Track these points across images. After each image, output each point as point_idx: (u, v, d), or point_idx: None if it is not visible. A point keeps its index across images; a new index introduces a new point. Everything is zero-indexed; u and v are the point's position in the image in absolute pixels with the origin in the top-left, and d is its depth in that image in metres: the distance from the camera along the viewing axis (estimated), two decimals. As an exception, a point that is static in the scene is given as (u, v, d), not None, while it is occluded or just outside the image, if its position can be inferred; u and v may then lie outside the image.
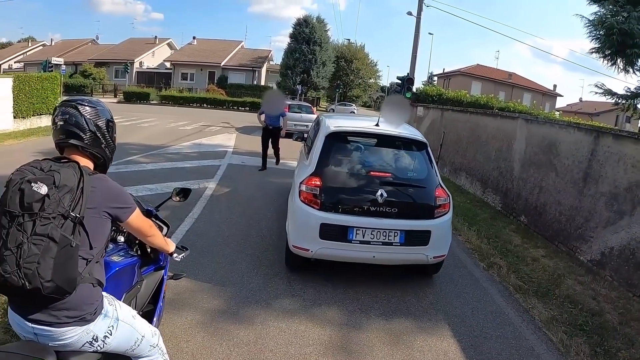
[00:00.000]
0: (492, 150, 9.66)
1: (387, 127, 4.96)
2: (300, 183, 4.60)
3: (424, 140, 5.04)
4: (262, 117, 10.84)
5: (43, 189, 1.73)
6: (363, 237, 4.38)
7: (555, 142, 7.20)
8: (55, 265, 1.70)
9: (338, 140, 4.89)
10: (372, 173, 4.64)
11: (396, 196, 4.49)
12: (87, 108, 2.01)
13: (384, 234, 4.39)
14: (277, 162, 11.37)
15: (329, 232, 4.39)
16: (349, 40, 58.51)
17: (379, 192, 4.40)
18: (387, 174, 4.70)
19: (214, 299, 4.17)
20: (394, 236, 4.40)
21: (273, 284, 4.60)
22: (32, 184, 1.73)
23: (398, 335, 3.87)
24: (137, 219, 2.14)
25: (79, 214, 1.78)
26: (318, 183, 4.50)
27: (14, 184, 1.76)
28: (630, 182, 5.54)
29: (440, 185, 4.76)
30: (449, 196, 4.73)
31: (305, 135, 7.07)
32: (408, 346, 3.70)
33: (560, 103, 55.05)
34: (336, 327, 3.90)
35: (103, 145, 2.07)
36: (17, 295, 1.79)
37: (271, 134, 10.77)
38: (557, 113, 34.58)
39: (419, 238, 4.48)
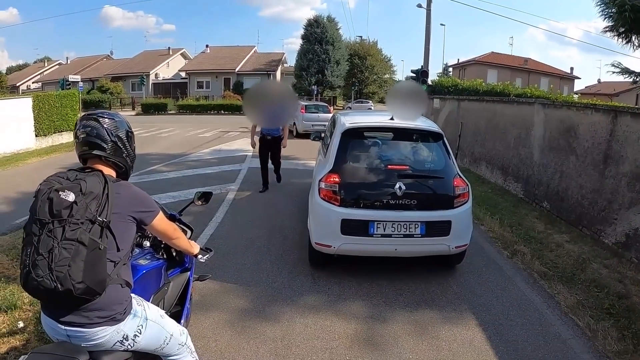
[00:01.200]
0: (510, 138, 9.57)
1: (403, 121, 4.98)
2: (320, 180, 4.67)
3: (440, 131, 5.08)
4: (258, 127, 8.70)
5: (71, 197, 1.84)
6: (384, 231, 4.42)
7: (573, 125, 7.12)
8: (85, 268, 1.79)
9: (354, 137, 4.97)
10: (389, 167, 4.70)
11: (415, 188, 4.53)
12: (107, 120, 2.14)
13: (405, 226, 4.42)
14: (279, 179, 9.29)
15: (350, 227, 4.44)
16: (361, 37, 58.13)
17: (397, 185, 4.43)
18: (405, 167, 4.77)
19: (240, 299, 4.27)
20: (415, 228, 4.44)
21: (298, 281, 4.68)
22: (60, 193, 1.84)
23: (423, 326, 3.90)
24: (161, 222, 2.24)
25: (105, 219, 1.88)
26: (337, 180, 4.56)
27: (43, 193, 1.87)
28: (652, 161, 5.45)
29: (459, 175, 4.78)
30: (467, 185, 4.75)
31: (323, 135, 7.13)
32: (434, 337, 3.73)
33: (578, 86, 53.83)
34: (361, 320, 3.96)
35: (124, 155, 2.19)
36: (50, 299, 1.88)
37: (270, 146, 8.62)
38: (575, 96, 33.90)
39: (440, 229, 4.49)
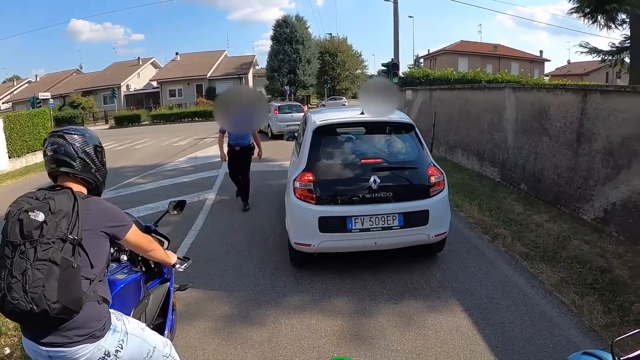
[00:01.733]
0: (484, 124, 9.67)
1: (373, 115, 4.97)
2: (294, 180, 4.65)
3: (411, 121, 5.09)
4: (225, 137, 7.78)
5: (40, 216, 1.81)
6: (362, 225, 4.42)
7: (544, 107, 7.20)
8: (59, 287, 1.76)
9: (325, 134, 4.94)
10: (363, 161, 4.70)
11: (390, 180, 4.53)
12: (75, 136, 2.12)
13: (383, 219, 4.42)
14: (245, 201, 7.62)
15: (328, 224, 4.43)
16: (330, 34, 58.36)
17: (372, 179, 4.43)
18: (378, 160, 4.77)
19: (224, 305, 4.21)
20: (393, 220, 4.43)
21: (281, 282, 4.64)
22: (30, 213, 1.82)
23: (409, 316, 3.89)
24: (134, 236, 2.20)
25: (77, 236, 1.86)
26: (311, 178, 4.54)
27: (13, 215, 1.85)
28: (623, 136, 5.54)
29: (433, 164, 4.79)
30: (442, 173, 4.77)
31: (296, 134, 7.11)
32: (420, 326, 3.73)
33: (549, 68, 54.74)
34: (347, 316, 3.94)
35: (93, 170, 2.16)
36: (28, 321, 1.85)
37: (239, 157, 7.43)
38: (546, 78, 34.58)
39: (418, 218, 4.50)
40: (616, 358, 1.57)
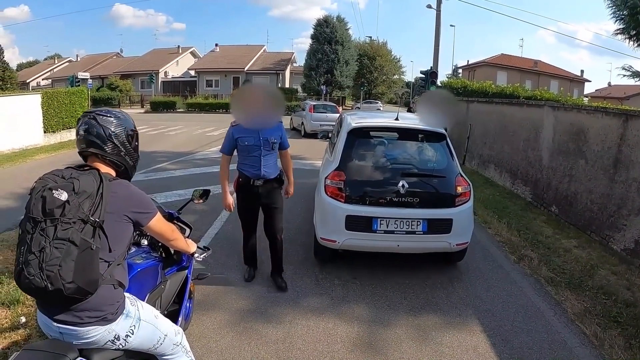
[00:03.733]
0: (519, 141, 9.47)
1: (408, 121, 5.24)
2: (326, 178, 4.79)
3: (443, 131, 5.13)
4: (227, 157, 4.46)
5: (63, 196, 1.82)
6: (387, 227, 4.55)
7: (583, 129, 7.01)
8: (76, 268, 1.78)
9: (359, 136, 5.09)
10: (393, 165, 4.86)
11: (418, 186, 4.64)
12: (108, 118, 2.13)
13: (407, 223, 4.55)
14: (279, 269, 4.64)
15: (354, 223, 4.57)
16: (370, 37, 58.17)
17: (400, 183, 4.55)
18: (408, 166, 4.92)
19: (242, 299, 4.24)
20: (417, 225, 4.55)
21: (301, 282, 4.65)
22: (53, 191, 1.83)
23: (426, 331, 3.85)
24: (158, 224, 2.21)
25: (98, 219, 1.87)
26: (342, 177, 4.69)
27: (37, 191, 1.86)
28: (662, 166, 5.36)
29: (460, 175, 4.87)
30: (469, 184, 4.84)
31: (330, 134, 7.12)
32: (437, 342, 3.68)
33: (588, 89, 53.19)
34: (364, 324, 3.91)
35: (123, 154, 2.17)
36: (41, 297, 1.88)
37: (259, 197, 4.38)
38: (585, 99, 33.50)
39: (442, 226, 4.61)
40: None
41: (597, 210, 6.50)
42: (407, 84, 63.85)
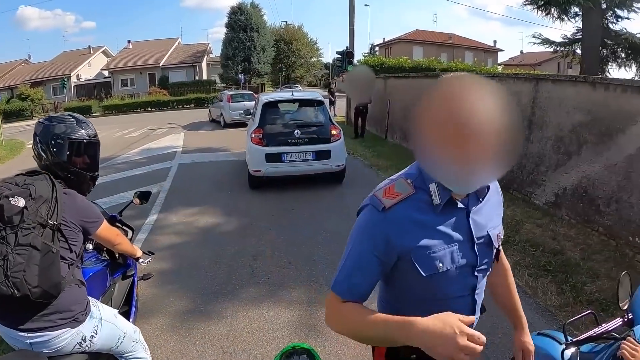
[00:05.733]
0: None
1: (298, 94, 9.08)
2: (251, 133, 7.77)
3: (321, 98, 8.45)
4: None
5: (21, 202, 1.85)
6: (291, 159, 7.52)
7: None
8: (40, 272, 1.80)
9: (269, 106, 8.02)
10: (291, 121, 7.94)
11: (307, 132, 7.68)
12: (42, 125, 2.19)
13: (303, 155, 7.56)
14: None
15: (270, 158, 7.45)
16: (286, 22, 58.07)
17: (296, 131, 7.62)
18: (300, 120, 7.98)
19: (180, 301, 4.16)
20: (309, 155, 7.58)
21: (237, 274, 4.63)
22: (10, 199, 1.85)
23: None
24: (104, 231, 2.25)
25: (56, 222, 1.90)
26: (261, 131, 7.63)
27: None
28: (573, 124, 5.77)
29: (333, 123, 7.99)
30: (340, 129, 7.92)
31: (252, 111, 9.88)
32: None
33: (502, 58, 55.89)
34: (304, 306, 3.97)
35: (47, 163, 2.15)
36: (8, 306, 1.86)
37: None
38: (499, 67, 35.42)
39: (324, 154, 7.63)
40: (568, 339, 1.63)
41: (516, 170, 6.92)
42: (326, 66, 64.17)
